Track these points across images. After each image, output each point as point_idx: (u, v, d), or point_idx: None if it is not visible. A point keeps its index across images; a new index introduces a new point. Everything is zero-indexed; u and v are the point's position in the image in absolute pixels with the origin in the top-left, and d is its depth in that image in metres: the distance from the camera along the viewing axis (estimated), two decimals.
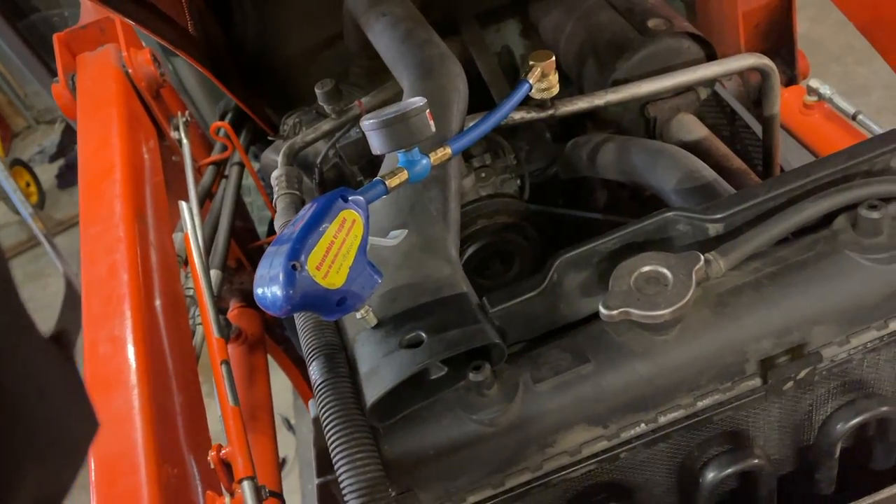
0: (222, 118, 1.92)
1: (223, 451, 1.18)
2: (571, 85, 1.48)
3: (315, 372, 0.84)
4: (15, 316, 0.32)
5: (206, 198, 1.74)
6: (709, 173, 1.09)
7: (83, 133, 1.48)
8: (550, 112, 1.20)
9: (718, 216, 0.89)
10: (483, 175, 1.34)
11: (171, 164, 1.74)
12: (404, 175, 0.89)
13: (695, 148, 1.29)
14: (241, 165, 1.79)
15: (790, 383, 0.85)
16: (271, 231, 2.19)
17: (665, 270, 0.81)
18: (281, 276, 0.72)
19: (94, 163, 1.42)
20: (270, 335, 2.13)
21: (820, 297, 0.84)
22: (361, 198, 0.82)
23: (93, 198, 1.37)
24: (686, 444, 0.89)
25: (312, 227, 0.76)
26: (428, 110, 0.87)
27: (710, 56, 1.36)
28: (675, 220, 0.91)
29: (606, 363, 0.83)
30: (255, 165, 1.90)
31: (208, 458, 1.18)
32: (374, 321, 0.85)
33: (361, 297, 0.79)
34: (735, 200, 0.90)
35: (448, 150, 0.95)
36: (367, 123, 0.86)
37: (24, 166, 5.49)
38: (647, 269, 0.82)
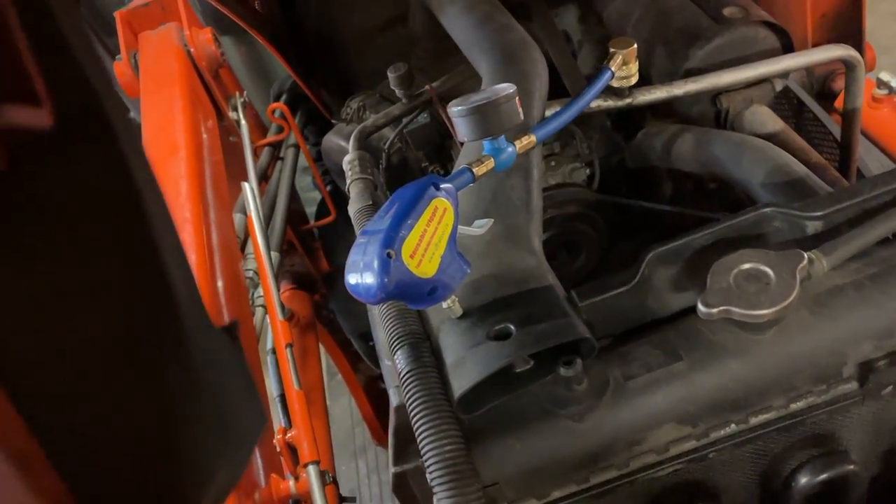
0: (276, 100, 1.91)
1: (289, 435, 1.18)
2: None
3: (401, 361, 0.83)
4: (200, 311, 0.31)
5: (262, 179, 1.73)
6: (800, 168, 1.05)
7: (146, 111, 1.48)
8: (628, 101, 1.17)
9: (819, 213, 0.86)
10: (552, 164, 1.31)
11: (227, 144, 1.73)
12: (491, 163, 0.87)
13: (770, 141, 1.25)
14: (297, 147, 1.79)
15: (889, 388, 0.83)
16: (319, 214, 2.18)
17: (766, 268, 0.79)
18: (375, 264, 0.71)
19: (159, 142, 1.41)
20: (317, 316, 2.13)
21: None
22: (451, 186, 0.80)
23: (157, 176, 1.37)
24: (776, 446, 0.87)
25: (406, 215, 0.74)
26: (517, 97, 0.84)
27: (786, 46, 1.32)
28: (772, 217, 0.88)
29: (699, 362, 0.81)
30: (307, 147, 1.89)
31: (274, 441, 1.18)
32: (459, 311, 0.84)
33: (451, 286, 0.78)
34: (836, 198, 0.87)
35: (533, 138, 0.92)
36: (455, 110, 0.84)
37: None
38: (747, 266, 0.80)
